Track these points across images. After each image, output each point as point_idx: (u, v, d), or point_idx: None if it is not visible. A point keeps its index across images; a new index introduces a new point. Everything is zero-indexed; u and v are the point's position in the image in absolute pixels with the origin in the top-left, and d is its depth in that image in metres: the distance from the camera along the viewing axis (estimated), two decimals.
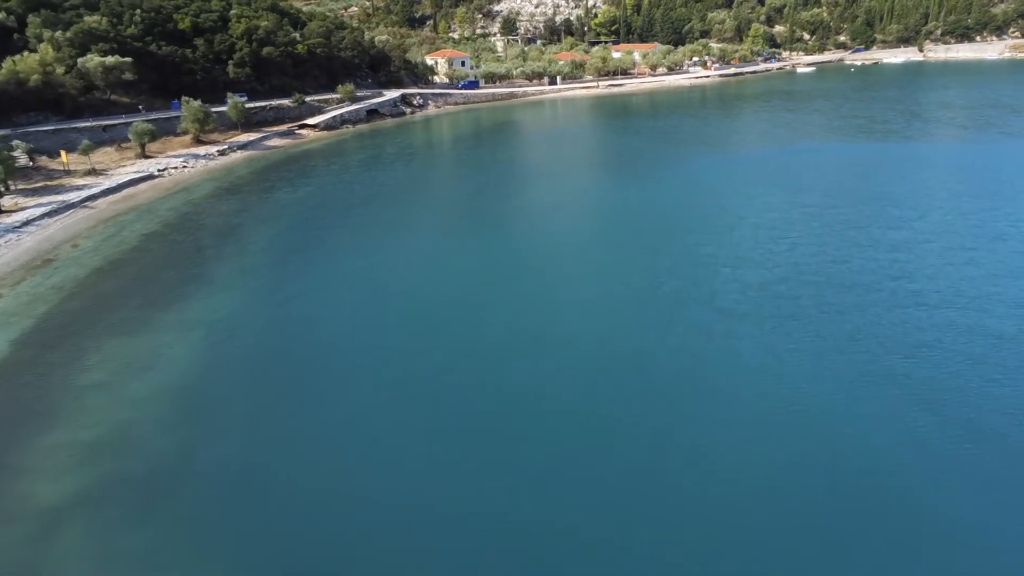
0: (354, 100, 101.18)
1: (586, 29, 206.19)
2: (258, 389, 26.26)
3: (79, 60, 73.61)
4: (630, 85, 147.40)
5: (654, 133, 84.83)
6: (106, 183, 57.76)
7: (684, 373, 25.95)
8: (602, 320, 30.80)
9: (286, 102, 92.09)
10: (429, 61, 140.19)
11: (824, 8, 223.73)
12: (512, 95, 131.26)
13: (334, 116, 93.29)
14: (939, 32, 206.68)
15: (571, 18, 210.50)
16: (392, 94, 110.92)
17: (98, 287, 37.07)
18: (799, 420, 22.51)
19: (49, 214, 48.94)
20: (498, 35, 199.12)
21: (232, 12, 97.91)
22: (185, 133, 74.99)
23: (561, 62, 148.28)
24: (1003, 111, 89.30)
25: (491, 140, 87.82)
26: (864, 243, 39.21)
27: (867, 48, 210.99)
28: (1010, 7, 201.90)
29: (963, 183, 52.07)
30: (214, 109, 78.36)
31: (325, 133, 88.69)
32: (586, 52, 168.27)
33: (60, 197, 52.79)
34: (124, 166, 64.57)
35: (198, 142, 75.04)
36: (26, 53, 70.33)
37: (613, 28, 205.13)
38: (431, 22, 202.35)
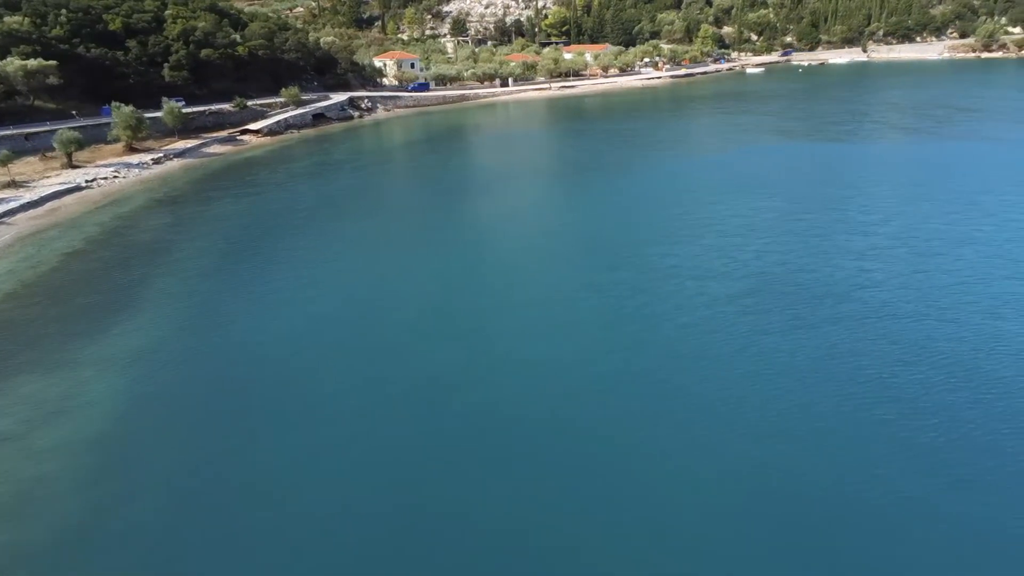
0: (299, 104, 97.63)
1: (537, 30, 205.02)
2: (188, 432, 23.41)
3: None
4: (583, 86, 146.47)
5: (611, 136, 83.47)
6: (27, 196, 53.47)
7: (652, 398, 24.02)
8: (565, 342, 28.71)
9: (227, 107, 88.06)
10: (377, 63, 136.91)
11: (771, 9, 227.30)
12: (464, 97, 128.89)
13: (278, 121, 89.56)
14: (881, 33, 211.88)
15: (521, 19, 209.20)
16: (339, 97, 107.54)
17: (9, 315, 33.48)
18: (778, 441, 20.81)
19: None
20: (448, 36, 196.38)
21: (167, 12, 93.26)
22: (117, 141, 70.61)
23: (513, 63, 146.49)
24: (951, 111, 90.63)
25: (444, 145, 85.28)
26: (830, 251, 38.10)
27: (799, 50, 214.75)
28: (948, 8, 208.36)
29: (921, 185, 51.75)
30: (149, 115, 74.23)
31: (269, 139, 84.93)
32: (537, 53, 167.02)
33: None
34: (48, 177, 60.16)
35: (131, 150, 70.80)
36: None
37: (564, 29, 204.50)
38: (379, 23, 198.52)
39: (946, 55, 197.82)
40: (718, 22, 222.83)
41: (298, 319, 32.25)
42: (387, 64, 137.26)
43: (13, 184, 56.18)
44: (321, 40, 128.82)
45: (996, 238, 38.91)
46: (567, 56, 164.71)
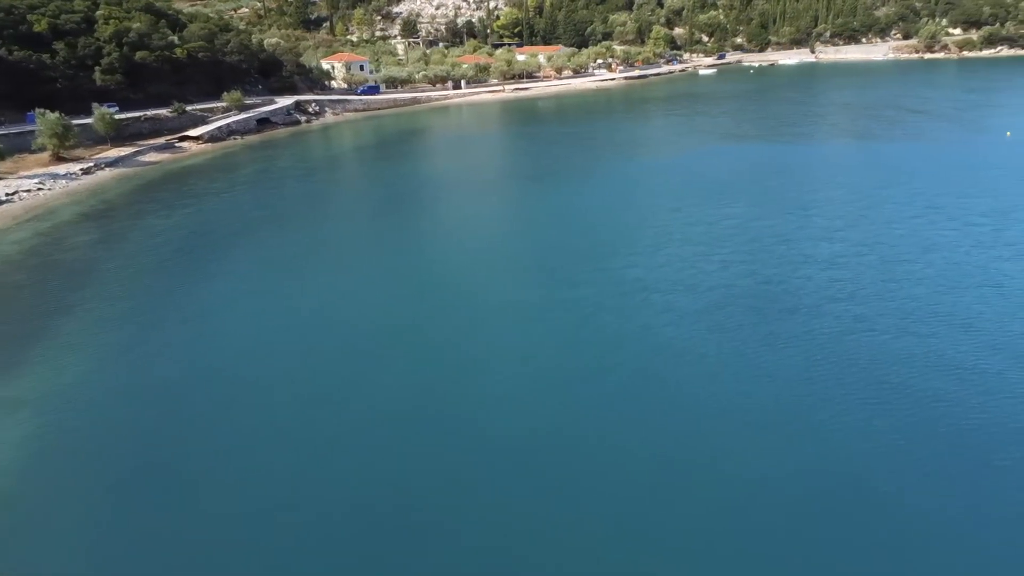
0: (242, 109, 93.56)
1: (489, 31, 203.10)
2: (105, 487, 20.47)
3: None
4: (536, 88, 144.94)
5: (567, 139, 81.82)
6: None
7: (623, 429, 22.01)
8: (522, 369, 26.55)
9: (164, 112, 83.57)
10: (325, 65, 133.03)
11: (720, 11, 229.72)
12: (416, 100, 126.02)
13: (220, 127, 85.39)
14: (828, 34, 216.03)
15: (473, 20, 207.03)
16: (285, 101, 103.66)
17: None
18: (756, 457, 19.04)
19: None
20: (398, 38, 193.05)
21: (99, 13, 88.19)
22: (42, 150, 65.94)
23: (465, 65, 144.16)
24: (902, 112, 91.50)
25: (396, 151, 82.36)
26: (797, 259, 36.79)
27: (747, 51, 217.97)
28: (891, 10, 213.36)
29: (881, 188, 51.12)
30: (78, 121, 69.79)
31: (210, 146, 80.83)
32: (490, 55, 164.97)
33: None
34: None
35: (59, 160, 66.18)
36: None
37: (516, 30, 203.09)
38: (327, 24, 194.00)
39: (891, 56, 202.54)
40: (669, 23, 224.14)
41: (237, 345, 29.38)
42: (335, 66, 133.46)
43: None
44: (266, 42, 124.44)
45: (962, 243, 38.19)
46: (520, 58, 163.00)
